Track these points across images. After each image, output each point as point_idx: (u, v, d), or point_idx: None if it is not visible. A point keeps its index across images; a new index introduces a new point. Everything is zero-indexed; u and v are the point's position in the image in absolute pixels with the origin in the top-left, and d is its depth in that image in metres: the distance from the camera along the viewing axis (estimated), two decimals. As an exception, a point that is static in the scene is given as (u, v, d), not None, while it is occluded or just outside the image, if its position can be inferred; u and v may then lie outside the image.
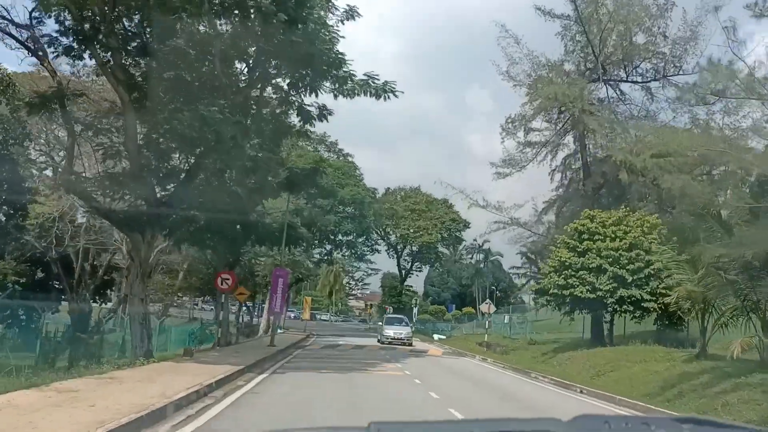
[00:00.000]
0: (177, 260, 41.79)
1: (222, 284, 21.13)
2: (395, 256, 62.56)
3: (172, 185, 17.85)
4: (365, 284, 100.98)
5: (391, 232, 59.29)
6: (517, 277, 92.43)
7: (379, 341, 33.51)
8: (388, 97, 20.20)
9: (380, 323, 37.43)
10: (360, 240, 49.88)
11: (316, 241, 41.58)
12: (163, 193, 18.05)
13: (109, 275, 39.62)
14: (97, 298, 45.39)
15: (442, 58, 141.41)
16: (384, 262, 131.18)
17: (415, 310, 67.89)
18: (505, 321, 38.02)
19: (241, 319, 52.92)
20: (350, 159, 50.66)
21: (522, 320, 36.34)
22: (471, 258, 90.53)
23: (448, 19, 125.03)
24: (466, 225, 59.87)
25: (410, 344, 32.49)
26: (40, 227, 30.75)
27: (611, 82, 29.48)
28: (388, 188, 62.09)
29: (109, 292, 44.31)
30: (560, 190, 30.99)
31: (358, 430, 1.50)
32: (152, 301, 43.53)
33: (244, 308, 52.45)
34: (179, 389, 8.47)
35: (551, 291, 25.30)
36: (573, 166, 30.24)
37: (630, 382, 17.80)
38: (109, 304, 44.11)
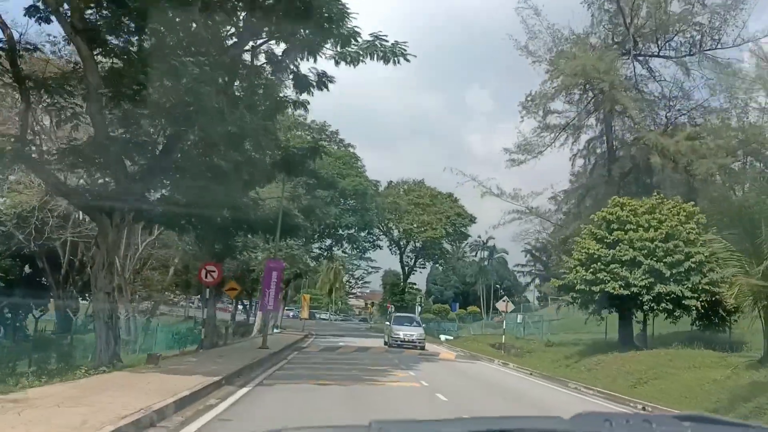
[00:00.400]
0: (170, 254, 39.33)
1: (206, 277, 18.40)
2: (398, 252, 59.80)
3: (144, 159, 15.12)
4: (365, 282, 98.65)
5: (393, 227, 56.51)
6: (522, 275, 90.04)
7: (386, 343, 30.15)
8: (398, 61, 17.45)
9: (387, 323, 33.24)
10: (362, 234, 47.10)
11: (317, 234, 38.73)
12: (133, 168, 15.34)
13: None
14: (87, 295, 43.06)
15: (442, 58, 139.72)
16: (385, 260, 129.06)
17: (418, 309, 65.14)
18: (518, 320, 35.32)
19: (234, 318, 50.47)
20: (352, 150, 47.88)
21: (537, 319, 33.50)
22: (475, 255, 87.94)
23: (448, 19, 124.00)
24: (472, 220, 57.17)
25: (422, 347, 28.93)
26: (18, 217, 28.32)
27: (641, 58, 26.76)
28: (391, 182, 59.33)
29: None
30: (583, 178, 28.29)
31: (360, 428, 1.46)
32: (142, 299, 41.02)
33: (241, 306, 49.82)
34: (111, 418, 5.78)
35: (578, 287, 22.55)
36: (597, 150, 27.53)
37: (684, 394, 15.09)
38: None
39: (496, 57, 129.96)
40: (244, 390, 10.41)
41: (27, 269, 34.80)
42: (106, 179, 15.17)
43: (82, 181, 15.47)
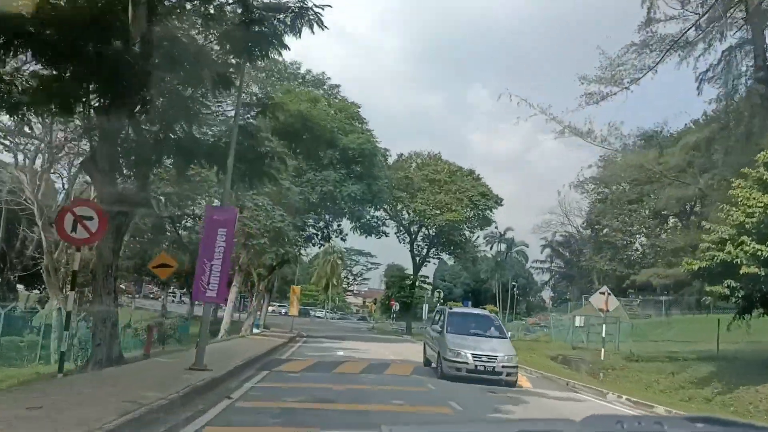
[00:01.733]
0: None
1: (73, 230, 9.05)
2: (407, 240, 50.33)
3: None
4: (364, 279, 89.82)
5: (403, 209, 47.11)
6: (541, 273, 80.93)
7: (428, 363, 16.92)
8: None
9: (435, 327, 17.17)
10: (369, 210, 37.73)
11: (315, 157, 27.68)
12: None
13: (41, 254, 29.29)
14: (37, 283, 35.21)
15: (442, 57, 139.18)
16: (387, 254, 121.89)
17: (426, 308, 56.16)
18: (577, 324, 26.21)
19: (216, 314, 41.56)
20: (357, 109, 38.40)
21: (614, 321, 24.01)
22: (490, 248, 78.68)
23: (448, 19, 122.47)
24: (498, 201, 47.81)
25: (514, 381, 14.60)
26: None
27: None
28: (401, 154, 49.82)
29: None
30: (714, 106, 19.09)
31: (370, 430, 1.29)
32: (79, 286, 32.34)
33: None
34: None
35: (743, 270, 13.28)
36: (739, 68, 18.39)
37: None
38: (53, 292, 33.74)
39: (497, 57, 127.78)
40: None
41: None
42: None
43: None
